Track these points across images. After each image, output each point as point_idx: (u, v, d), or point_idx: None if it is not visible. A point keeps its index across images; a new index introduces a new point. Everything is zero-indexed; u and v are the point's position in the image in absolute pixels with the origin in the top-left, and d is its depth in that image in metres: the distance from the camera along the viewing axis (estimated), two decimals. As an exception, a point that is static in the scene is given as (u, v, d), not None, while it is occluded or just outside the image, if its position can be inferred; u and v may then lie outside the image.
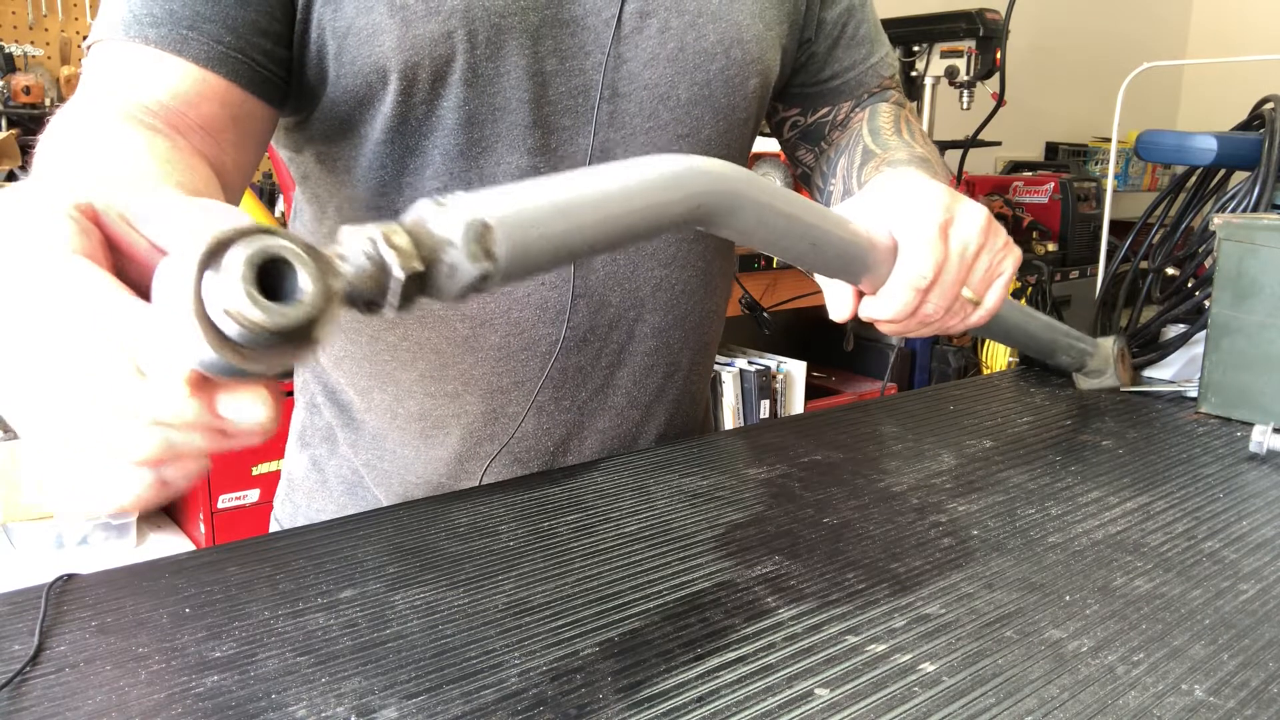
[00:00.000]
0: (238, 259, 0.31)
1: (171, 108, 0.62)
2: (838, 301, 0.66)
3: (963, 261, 0.64)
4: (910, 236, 0.63)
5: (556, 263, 0.44)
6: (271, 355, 0.32)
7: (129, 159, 0.52)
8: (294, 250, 0.32)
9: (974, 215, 0.65)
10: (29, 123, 1.83)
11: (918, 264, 0.62)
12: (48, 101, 1.84)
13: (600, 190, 0.45)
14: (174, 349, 0.31)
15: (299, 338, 0.32)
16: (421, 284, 0.37)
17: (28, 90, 1.81)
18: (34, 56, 1.90)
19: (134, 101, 0.61)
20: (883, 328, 0.66)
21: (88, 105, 0.60)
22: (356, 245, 0.35)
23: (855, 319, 0.67)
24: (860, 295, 0.65)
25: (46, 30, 1.95)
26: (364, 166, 0.73)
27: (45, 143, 0.56)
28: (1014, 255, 0.67)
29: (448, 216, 0.39)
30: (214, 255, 0.31)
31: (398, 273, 0.36)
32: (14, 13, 1.92)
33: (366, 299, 0.36)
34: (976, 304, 0.66)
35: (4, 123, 1.80)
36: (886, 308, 0.64)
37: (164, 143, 0.57)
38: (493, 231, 0.39)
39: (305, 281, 0.32)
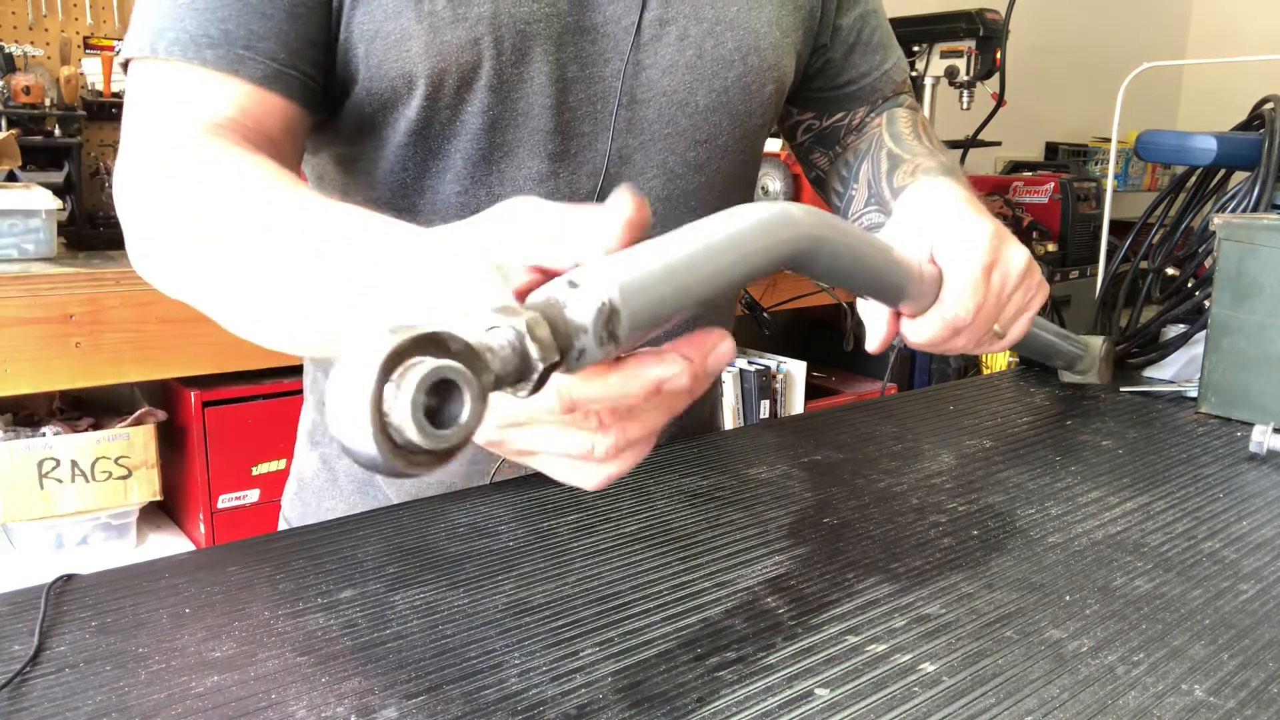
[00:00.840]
0: (411, 383, 0.33)
1: (240, 122, 0.64)
2: (874, 326, 0.67)
3: (999, 301, 0.66)
4: (956, 276, 0.64)
5: (666, 325, 0.45)
6: (433, 462, 0.35)
7: (264, 180, 0.56)
8: (464, 374, 0.34)
9: (1017, 258, 0.67)
10: (28, 123, 1.83)
11: (960, 305, 0.64)
12: (47, 102, 1.84)
13: (703, 247, 0.46)
14: (342, 444, 0.33)
15: (460, 446, 0.35)
16: (554, 368, 0.39)
17: (27, 90, 1.81)
18: (34, 57, 1.90)
19: (206, 119, 0.62)
20: (910, 344, 0.68)
21: (167, 126, 0.62)
22: (503, 336, 0.37)
23: (858, 321, 0.68)
24: (897, 315, 0.67)
25: (46, 30, 1.95)
26: (384, 169, 0.73)
27: (147, 170, 0.61)
28: (1043, 294, 0.70)
29: (582, 301, 0.40)
30: (390, 367, 0.33)
31: (538, 365, 0.38)
32: (14, 13, 1.92)
33: (507, 383, 0.38)
34: (1000, 336, 0.68)
35: (4, 123, 1.80)
36: (922, 334, 0.66)
37: (263, 156, 0.59)
38: (619, 313, 0.41)
39: (468, 404, 0.34)
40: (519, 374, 0.37)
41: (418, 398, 0.32)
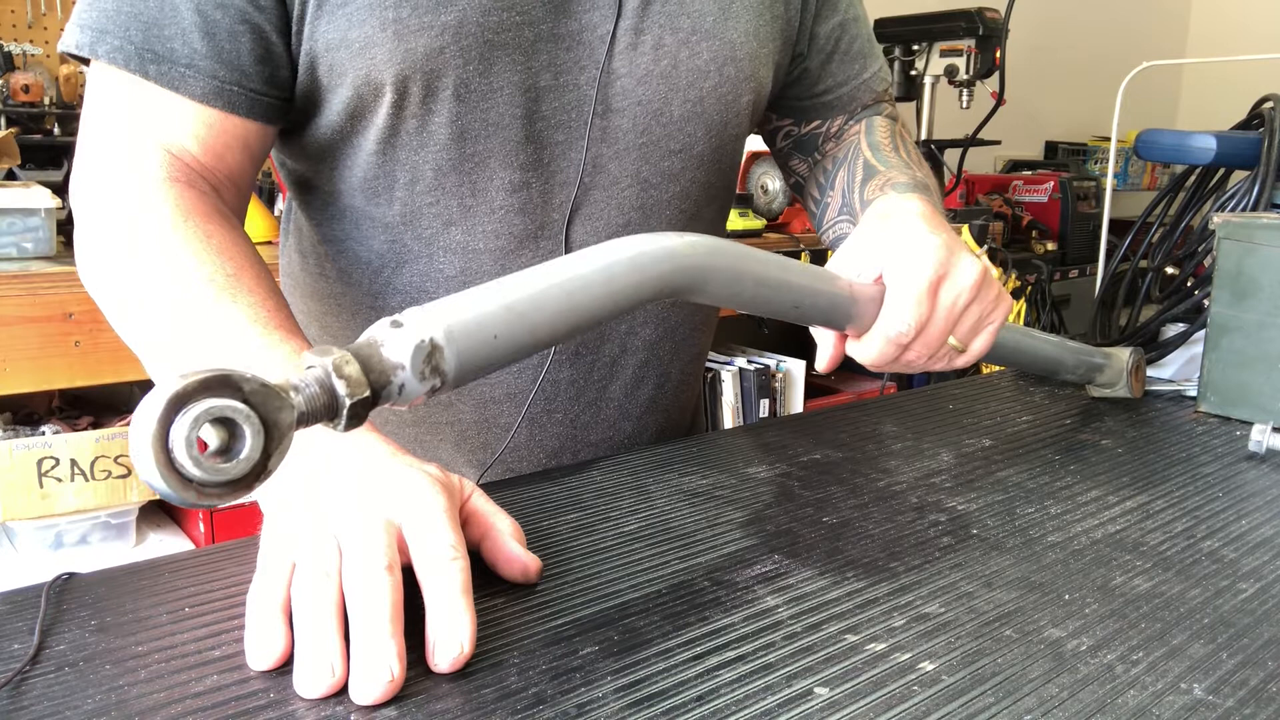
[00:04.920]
0: (187, 420, 0.36)
1: (206, 164, 0.67)
2: (821, 345, 0.69)
3: (950, 316, 0.65)
4: (897, 291, 0.64)
5: (513, 360, 0.47)
6: (226, 493, 0.37)
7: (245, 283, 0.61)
8: (241, 410, 0.37)
9: (967, 272, 0.65)
10: (28, 121, 1.83)
11: (898, 321, 0.64)
12: (46, 100, 1.84)
13: (558, 284, 0.47)
14: (142, 478, 0.36)
15: (250, 477, 0.38)
16: (370, 404, 0.41)
17: (27, 89, 1.81)
18: (33, 55, 1.90)
19: (172, 158, 0.65)
20: (861, 364, 0.68)
21: (127, 154, 0.65)
22: (310, 374, 0.40)
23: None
24: (844, 339, 0.67)
25: (46, 29, 1.95)
26: (357, 178, 0.73)
27: (111, 221, 0.64)
28: (1004, 305, 0.69)
29: (400, 338, 0.43)
30: (175, 408, 0.36)
31: (345, 400, 0.40)
32: (13, 11, 1.92)
33: (319, 418, 0.40)
34: (960, 351, 0.67)
35: (3, 121, 1.80)
36: (866, 354, 0.66)
37: (230, 237, 0.63)
38: (441, 350, 0.43)
39: (248, 439, 0.37)
40: (329, 409, 0.40)
41: (191, 434, 0.36)
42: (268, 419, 0.38)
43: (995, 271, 0.72)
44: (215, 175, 0.68)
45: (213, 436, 0.37)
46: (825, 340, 0.68)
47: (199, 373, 0.36)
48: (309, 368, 0.40)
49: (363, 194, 0.74)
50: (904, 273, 0.64)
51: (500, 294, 0.46)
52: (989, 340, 0.68)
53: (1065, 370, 0.89)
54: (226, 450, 0.37)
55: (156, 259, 0.61)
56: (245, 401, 0.37)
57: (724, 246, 0.55)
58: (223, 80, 0.65)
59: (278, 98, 0.68)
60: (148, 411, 0.35)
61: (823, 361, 0.69)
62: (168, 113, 0.65)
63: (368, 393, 0.41)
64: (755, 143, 1.02)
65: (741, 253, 0.56)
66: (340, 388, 0.40)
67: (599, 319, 0.49)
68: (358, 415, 0.41)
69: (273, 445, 0.38)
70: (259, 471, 0.38)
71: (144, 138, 0.65)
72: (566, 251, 0.75)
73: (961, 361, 0.68)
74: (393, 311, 0.75)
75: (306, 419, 0.39)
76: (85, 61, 0.66)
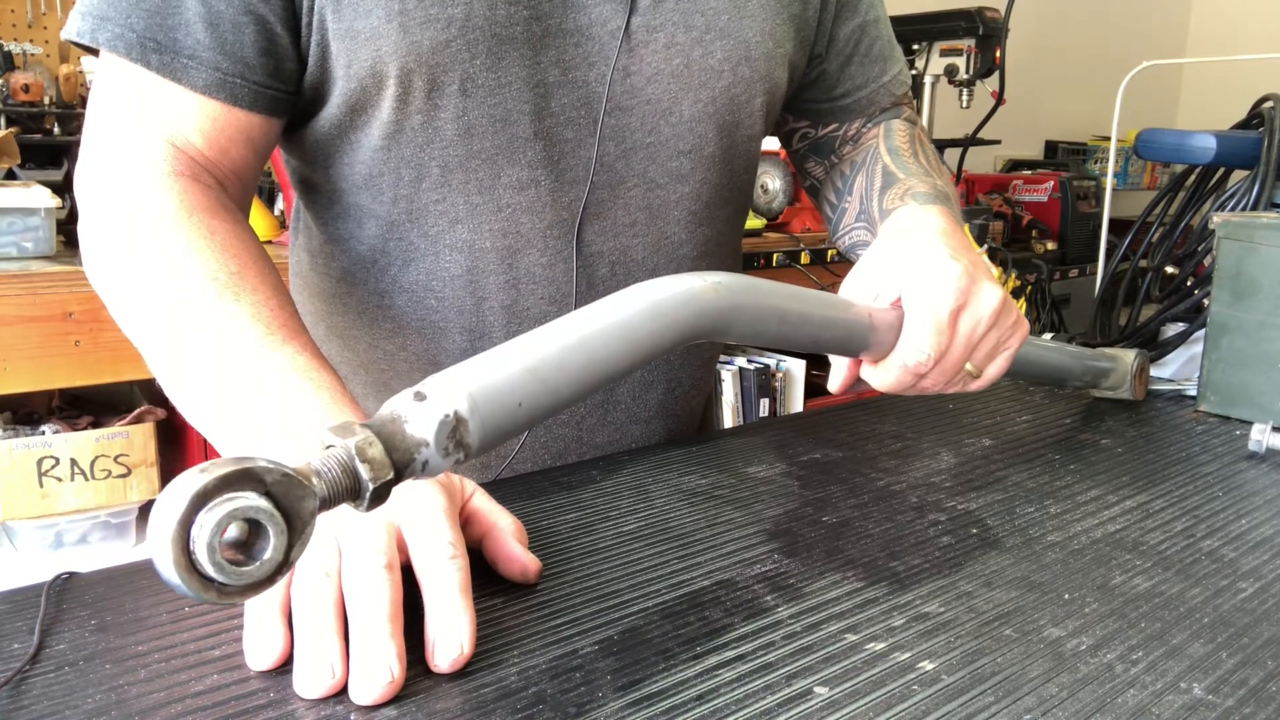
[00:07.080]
0: (210, 522, 0.34)
1: (210, 158, 0.67)
2: (835, 367, 0.68)
3: (969, 343, 0.65)
4: (917, 319, 0.63)
5: (536, 423, 0.46)
6: (248, 593, 0.36)
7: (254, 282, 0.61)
8: (265, 511, 0.35)
9: (988, 300, 0.64)
10: (28, 120, 1.83)
11: (918, 350, 0.63)
12: (46, 100, 1.84)
13: (580, 342, 0.46)
14: (160, 576, 0.35)
15: (274, 575, 0.36)
16: (394, 483, 0.40)
17: (26, 89, 1.81)
18: (33, 55, 1.90)
19: (176, 151, 0.65)
20: (881, 391, 0.67)
21: (131, 147, 0.65)
22: (332, 456, 0.39)
23: None
24: (859, 362, 0.67)
25: (46, 29, 1.95)
26: (361, 174, 0.72)
27: (114, 218, 0.64)
28: (1021, 331, 0.68)
29: (424, 414, 0.41)
30: (196, 507, 0.34)
31: (368, 485, 0.39)
32: (13, 11, 1.92)
33: (341, 500, 0.39)
34: (976, 376, 0.67)
35: (3, 121, 1.80)
36: (883, 381, 0.65)
37: (235, 233, 0.63)
38: (466, 423, 0.42)
39: (272, 539, 0.36)
40: (352, 492, 0.39)
41: (213, 538, 0.34)
42: (290, 510, 0.36)
43: (995, 271, 0.71)
44: (219, 169, 0.67)
45: (233, 528, 0.36)
46: (839, 363, 0.67)
47: (220, 466, 0.35)
48: (329, 447, 0.39)
49: (367, 191, 0.73)
50: (924, 301, 0.63)
51: (521, 356, 0.44)
52: (1004, 365, 0.68)
53: (1073, 378, 0.88)
54: (247, 544, 0.36)
55: (156, 255, 0.61)
56: (268, 494, 0.36)
57: (746, 284, 0.54)
58: (225, 72, 0.64)
59: (282, 91, 0.68)
60: (168, 509, 0.34)
61: (835, 383, 0.68)
62: (171, 105, 0.65)
63: (391, 474, 0.40)
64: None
65: (764, 289, 0.55)
66: (364, 471, 0.39)
67: (624, 373, 0.48)
68: (381, 496, 0.40)
69: (295, 537, 0.37)
70: (281, 567, 0.37)
71: (148, 130, 0.65)
72: (577, 252, 0.75)
73: (975, 386, 0.68)
74: (399, 310, 0.76)
75: (329, 503, 0.38)
76: (91, 51, 0.66)
